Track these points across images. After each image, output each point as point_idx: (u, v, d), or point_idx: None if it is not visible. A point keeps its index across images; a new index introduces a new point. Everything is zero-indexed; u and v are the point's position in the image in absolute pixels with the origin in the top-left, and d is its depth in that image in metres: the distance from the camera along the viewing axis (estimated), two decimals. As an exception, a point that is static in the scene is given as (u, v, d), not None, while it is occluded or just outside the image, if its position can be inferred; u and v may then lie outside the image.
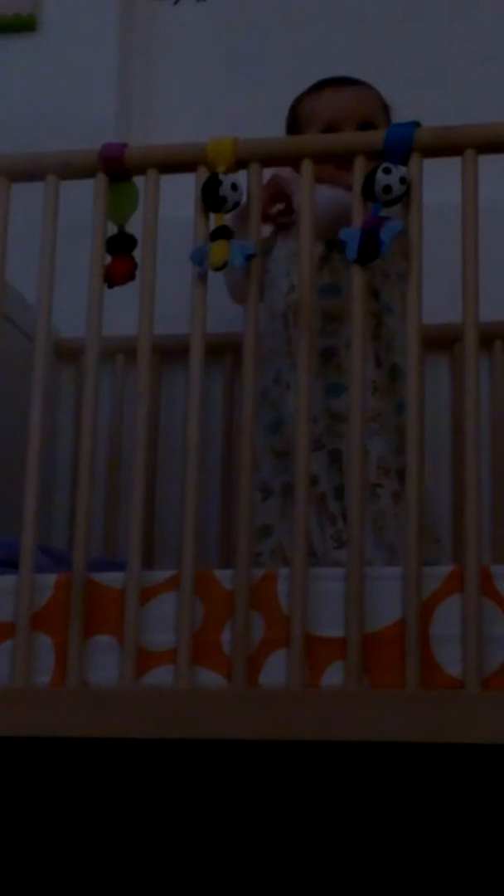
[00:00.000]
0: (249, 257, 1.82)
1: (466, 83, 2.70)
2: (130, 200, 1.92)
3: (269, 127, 2.25)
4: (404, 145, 1.81)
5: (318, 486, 2.10)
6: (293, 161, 1.89)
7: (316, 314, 2.11)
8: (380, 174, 1.79)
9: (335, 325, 2.17)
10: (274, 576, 1.77)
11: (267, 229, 2.23)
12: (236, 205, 1.85)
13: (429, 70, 2.72)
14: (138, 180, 1.91)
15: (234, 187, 1.84)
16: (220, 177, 1.84)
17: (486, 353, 2.45)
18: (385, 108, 2.31)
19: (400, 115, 2.26)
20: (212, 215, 1.86)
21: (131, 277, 1.90)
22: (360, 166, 1.82)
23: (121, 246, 1.91)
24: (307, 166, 1.85)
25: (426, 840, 2.19)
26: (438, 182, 1.91)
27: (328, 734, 1.71)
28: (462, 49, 2.74)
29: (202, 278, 1.84)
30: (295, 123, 2.33)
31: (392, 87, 2.36)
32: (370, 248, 1.79)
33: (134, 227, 1.92)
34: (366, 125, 2.23)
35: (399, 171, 1.79)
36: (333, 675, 1.71)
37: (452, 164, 1.82)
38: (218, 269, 1.82)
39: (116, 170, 1.90)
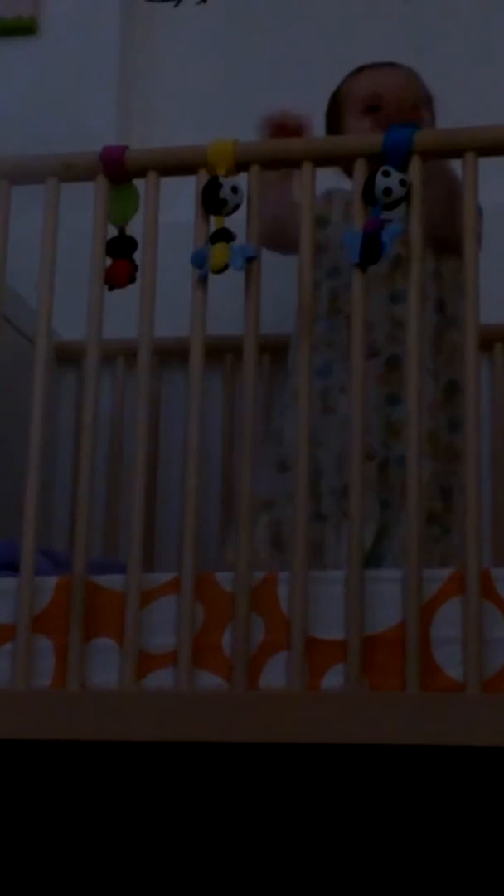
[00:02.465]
0: (250, 260, 1.82)
1: (467, 85, 2.70)
2: (131, 203, 1.92)
3: (270, 129, 2.25)
4: (404, 148, 1.80)
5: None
6: (293, 164, 1.89)
7: (388, 321, 2.09)
8: (379, 177, 1.79)
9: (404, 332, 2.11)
10: (274, 578, 1.77)
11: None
12: (236, 208, 1.85)
13: (429, 71, 2.72)
14: (138, 183, 1.91)
15: (235, 190, 1.84)
16: (221, 179, 1.84)
17: (487, 356, 2.45)
18: (430, 98, 2.27)
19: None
20: (211, 218, 1.85)
21: (132, 280, 1.90)
22: (360, 169, 1.83)
23: (121, 248, 1.91)
24: (307, 169, 1.85)
25: (426, 842, 2.19)
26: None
27: (328, 737, 1.71)
28: (462, 50, 2.74)
29: (202, 281, 1.84)
30: (336, 107, 2.29)
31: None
32: (372, 250, 1.78)
33: (134, 229, 1.92)
34: (411, 107, 2.20)
35: (398, 173, 1.79)
36: (334, 678, 1.71)
37: (453, 166, 1.82)
38: (218, 271, 1.82)
39: (117, 172, 1.90)
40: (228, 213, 1.84)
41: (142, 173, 1.90)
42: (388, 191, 1.78)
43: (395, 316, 2.12)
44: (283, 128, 2.12)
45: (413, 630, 1.68)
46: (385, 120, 2.17)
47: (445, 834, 2.18)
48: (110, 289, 1.89)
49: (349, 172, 1.91)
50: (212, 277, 1.84)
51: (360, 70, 2.29)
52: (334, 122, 2.30)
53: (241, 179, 1.86)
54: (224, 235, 1.82)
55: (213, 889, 2.23)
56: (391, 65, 2.29)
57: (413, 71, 2.28)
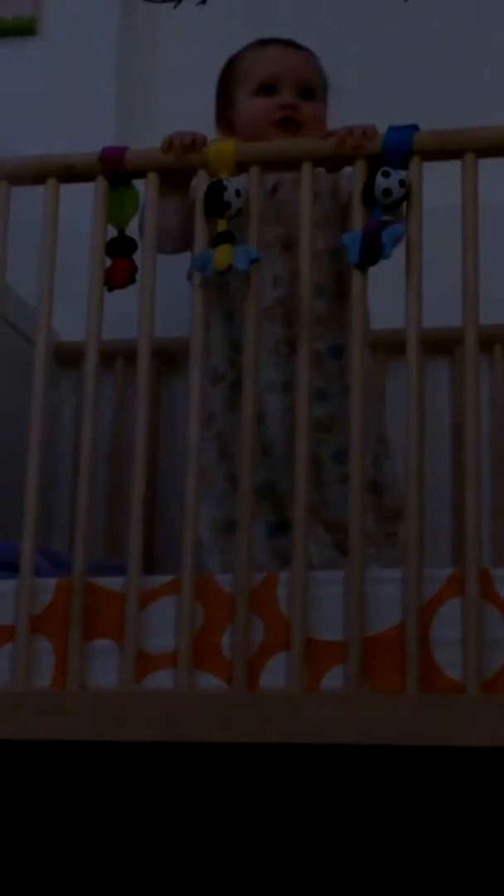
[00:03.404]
0: (252, 261, 1.82)
1: (467, 84, 2.70)
2: (131, 204, 1.92)
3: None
4: (403, 148, 1.81)
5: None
6: (293, 164, 1.89)
7: (226, 344, 2.07)
8: (379, 178, 1.79)
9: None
10: (274, 579, 1.77)
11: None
12: (239, 211, 1.85)
13: (429, 71, 2.72)
14: (138, 184, 1.91)
15: (238, 194, 1.84)
16: (225, 182, 1.84)
17: (487, 357, 2.45)
18: (325, 85, 2.25)
19: (400, 118, 2.26)
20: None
21: (131, 281, 1.90)
22: (359, 171, 1.83)
23: (121, 249, 1.91)
24: (307, 169, 1.85)
25: (427, 843, 2.19)
26: (438, 185, 1.92)
27: (328, 737, 1.71)
28: (462, 50, 2.74)
29: (203, 284, 1.84)
30: (230, 77, 2.27)
31: (392, 88, 2.36)
32: (372, 252, 1.78)
33: (134, 230, 1.92)
34: (305, 91, 2.19)
35: (398, 174, 1.79)
36: (333, 679, 1.71)
37: (452, 167, 1.82)
38: (222, 272, 1.82)
39: (117, 173, 1.90)
40: (231, 217, 1.84)
41: (142, 174, 1.90)
42: (387, 191, 1.78)
43: (234, 338, 2.07)
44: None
45: (413, 630, 1.69)
46: (277, 103, 2.17)
47: (445, 834, 2.18)
48: (110, 289, 1.90)
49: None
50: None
51: (261, 45, 2.26)
52: (225, 92, 2.28)
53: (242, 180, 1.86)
54: (227, 237, 1.82)
55: (213, 889, 2.23)
56: (292, 44, 2.26)
57: (312, 54, 2.26)
